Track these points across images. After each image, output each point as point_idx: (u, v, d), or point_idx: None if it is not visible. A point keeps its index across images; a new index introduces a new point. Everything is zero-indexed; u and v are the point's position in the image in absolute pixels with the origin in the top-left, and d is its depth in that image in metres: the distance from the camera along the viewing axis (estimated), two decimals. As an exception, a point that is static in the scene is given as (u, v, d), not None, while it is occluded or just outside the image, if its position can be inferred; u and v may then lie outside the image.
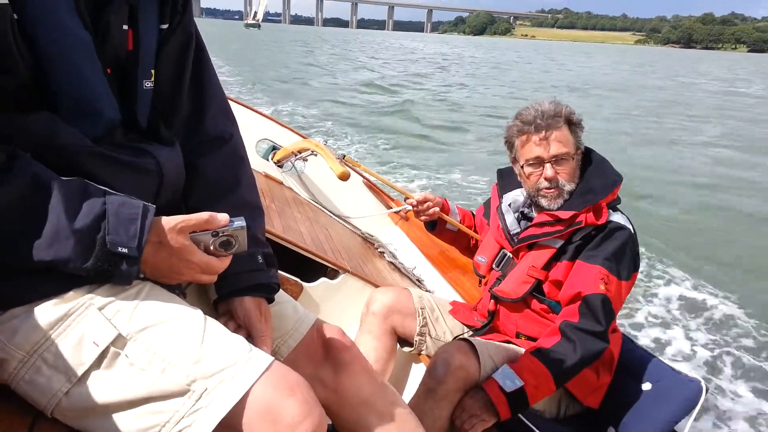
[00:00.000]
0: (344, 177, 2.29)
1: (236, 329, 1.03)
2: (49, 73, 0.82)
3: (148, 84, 0.99)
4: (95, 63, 0.87)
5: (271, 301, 1.11)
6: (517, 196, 1.83)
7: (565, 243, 1.62)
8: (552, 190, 1.65)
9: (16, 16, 0.77)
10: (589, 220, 1.59)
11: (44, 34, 0.80)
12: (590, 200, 1.61)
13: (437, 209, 1.99)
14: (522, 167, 1.70)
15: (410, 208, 2.05)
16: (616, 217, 1.63)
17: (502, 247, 1.78)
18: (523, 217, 1.79)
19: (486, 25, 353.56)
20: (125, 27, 0.93)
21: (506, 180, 1.88)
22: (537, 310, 1.66)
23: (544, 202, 1.67)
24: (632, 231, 1.62)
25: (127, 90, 0.95)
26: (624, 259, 1.58)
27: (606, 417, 1.62)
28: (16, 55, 0.78)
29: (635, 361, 1.67)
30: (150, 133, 1.01)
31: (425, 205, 1.99)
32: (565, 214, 1.61)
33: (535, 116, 1.64)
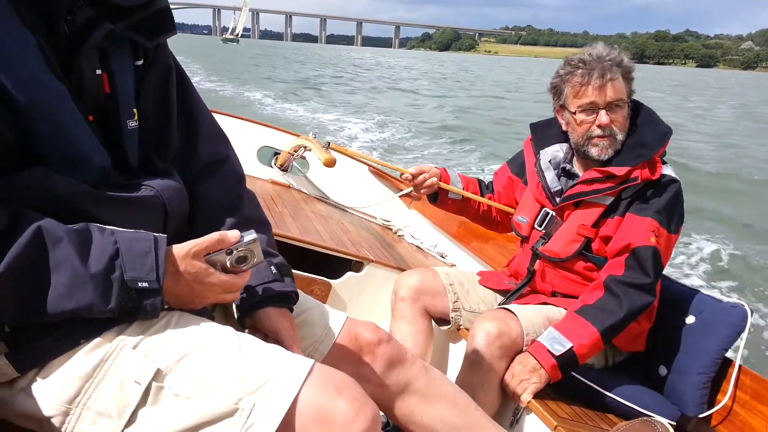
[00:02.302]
0: (329, 163, 2.30)
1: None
2: (31, 129, 0.82)
3: (133, 124, 0.98)
4: (75, 113, 0.86)
5: (291, 310, 1.10)
6: (555, 151, 1.76)
7: (615, 199, 1.58)
8: (605, 138, 1.59)
9: None
10: (644, 175, 1.55)
11: (19, 92, 0.79)
12: (644, 155, 1.56)
13: (435, 179, 1.91)
14: (574, 114, 1.62)
15: (409, 182, 1.97)
16: (667, 170, 1.59)
17: (542, 206, 1.73)
18: (563, 173, 1.73)
19: (451, 41, 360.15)
20: (98, 71, 0.92)
21: (541, 135, 1.81)
22: (580, 270, 1.64)
23: (594, 151, 1.61)
24: (681, 183, 1.58)
25: (112, 133, 0.94)
26: (675, 212, 1.55)
27: (655, 357, 1.62)
28: None
29: (675, 297, 1.65)
30: (143, 169, 1.00)
31: (421, 177, 1.91)
32: (619, 170, 1.56)
33: (590, 60, 1.58)
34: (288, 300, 1.08)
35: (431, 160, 9.48)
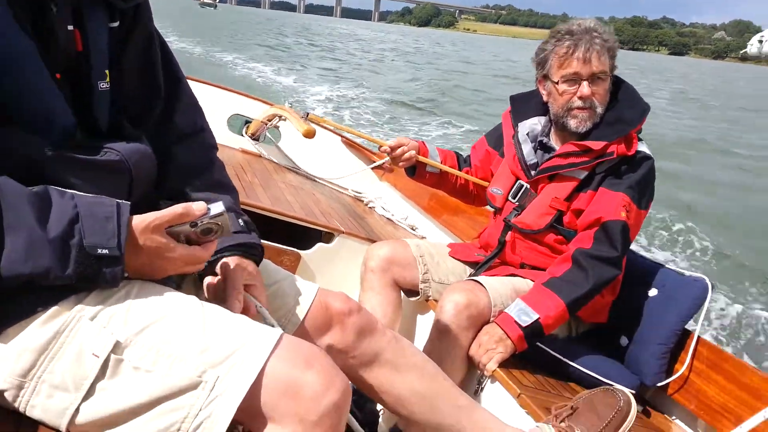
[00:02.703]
0: (309, 134, 2.27)
1: (222, 291, 1.01)
2: None
3: (104, 85, 0.94)
4: (42, 71, 0.83)
5: (258, 263, 1.09)
6: (534, 124, 1.76)
7: (589, 173, 1.59)
8: (584, 110, 1.59)
9: None
10: (620, 150, 1.56)
11: None
12: (621, 130, 1.57)
13: (413, 152, 1.89)
14: (556, 84, 1.63)
15: (387, 155, 1.95)
16: (643, 147, 1.61)
17: (517, 178, 1.74)
18: (540, 146, 1.73)
19: (431, 17, 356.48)
20: (70, 27, 0.88)
21: (520, 108, 1.81)
22: (550, 242, 1.65)
23: (572, 123, 1.61)
24: (654, 160, 1.60)
25: (81, 93, 0.91)
26: (646, 188, 1.58)
27: (617, 328, 1.66)
28: None
29: (639, 270, 1.68)
30: (112, 134, 0.96)
31: (400, 149, 1.89)
32: (596, 145, 1.56)
33: (578, 31, 1.58)
34: (252, 250, 1.07)
35: (387, 124, 10.44)
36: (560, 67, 1.61)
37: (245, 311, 1.00)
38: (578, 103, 1.60)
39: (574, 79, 1.60)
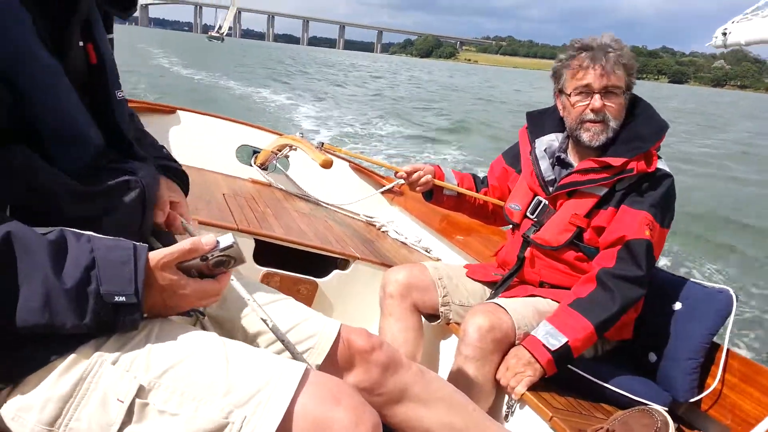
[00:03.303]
0: (327, 165, 2.28)
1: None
2: (28, 107, 0.79)
3: (120, 94, 0.96)
4: (70, 89, 0.84)
5: (181, 187, 1.12)
6: (551, 140, 1.76)
7: (609, 190, 1.58)
8: (597, 123, 1.59)
9: None
10: (640, 167, 1.55)
11: (18, 69, 0.77)
12: (640, 147, 1.56)
13: (429, 177, 1.90)
14: (569, 96, 1.63)
15: (402, 182, 1.96)
16: (662, 164, 1.60)
17: (535, 194, 1.73)
18: (558, 162, 1.73)
19: (432, 48, 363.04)
20: (81, 43, 0.91)
21: (537, 124, 1.81)
22: (570, 260, 1.64)
23: (585, 136, 1.61)
24: (673, 178, 1.60)
25: (100, 106, 0.92)
26: (668, 206, 1.57)
27: (644, 344, 1.63)
28: None
29: (662, 285, 1.66)
30: (130, 148, 0.98)
31: (416, 175, 1.90)
32: (615, 161, 1.56)
33: (592, 44, 1.59)
34: (177, 174, 1.12)
35: (377, 140, 12.00)
36: (573, 79, 1.62)
37: (170, 224, 1.02)
38: (590, 115, 1.60)
39: (587, 91, 1.60)
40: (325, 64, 55.51)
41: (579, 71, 1.60)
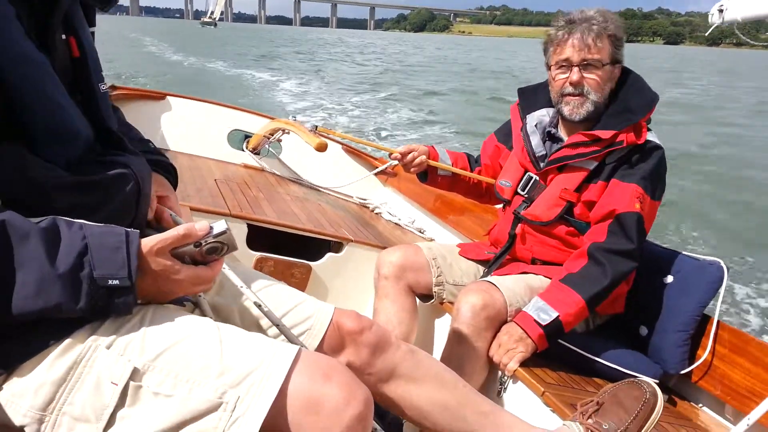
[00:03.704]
0: (321, 148, 2.26)
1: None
2: (18, 102, 0.79)
3: (104, 87, 0.96)
4: (57, 83, 0.84)
5: (170, 181, 1.12)
6: (542, 116, 1.76)
7: (599, 164, 1.58)
8: (576, 97, 1.59)
9: None
10: (629, 139, 1.54)
11: (6, 64, 0.77)
12: (629, 119, 1.56)
13: (424, 158, 1.89)
14: (550, 69, 1.64)
15: (396, 163, 1.96)
16: (652, 136, 1.59)
17: (526, 170, 1.73)
18: (549, 137, 1.72)
19: (426, 21, 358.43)
20: (63, 36, 0.90)
21: (528, 100, 1.80)
22: (561, 234, 1.64)
23: (566, 109, 1.61)
24: (664, 150, 1.59)
25: (84, 99, 0.92)
26: (658, 178, 1.56)
27: (636, 318, 1.64)
28: None
29: (653, 258, 1.67)
30: (119, 140, 0.98)
31: (410, 156, 1.89)
32: (605, 134, 1.55)
33: (574, 18, 1.59)
34: (165, 167, 1.12)
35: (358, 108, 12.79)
36: (555, 53, 1.63)
37: (159, 218, 1.03)
38: (569, 89, 1.60)
39: (566, 65, 1.60)
40: (318, 43, 56.31)
41: (559, 44, 1.60)
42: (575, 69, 1.58)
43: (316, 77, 19.76)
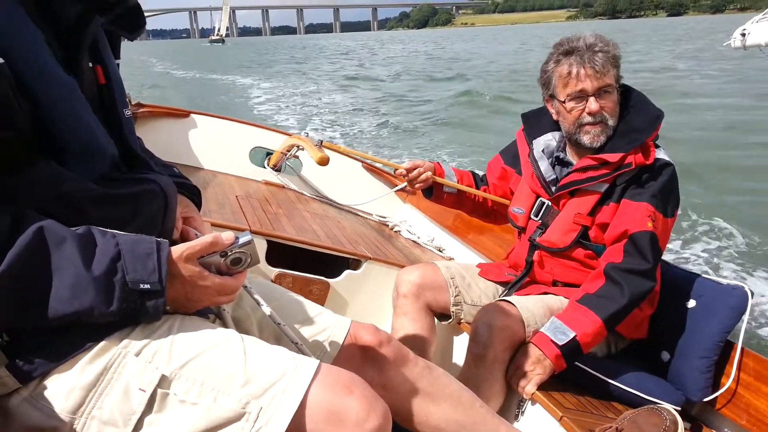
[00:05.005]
0: (323, 162, 2.29)
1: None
2: (49, 122, 0.82)
3: (128, 113, 1.00)
4: (85, 104, 0.88)
5: (194, 202, 1.14)
6: (548, 140, 1.75)
7: (610, 186, 1.57)
8: (596, 125, 1.58)
9: (10, 72, 0.77)
10: (638, 160, 1.54)
11: (36, 84, 0.80)
12: (636, 139, 1.55)
13: (429, 173, 1.90)
14: (563, 103, 1.62)
15: (404, 178, 1.96)
16: (661, 154, 1.58)
17: (538, 196, 1.72)
18: (557, 162, 1.72)
19: (428, 17, 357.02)
20: (90, 64, 0.94)
21: (533, 125, 1.80)
22: (579, 258, 1.63)
23: (586, 139, 1.60)
24: (675, 167, 1.58)
25: (111, 123, 0.95)
26: (670, 195, 1.55)
27: (657, 343, 1.62)
28: (16, 109, 0.78)
29: (675, 282, 1.64)
30: (144, 161, 1.02)
31: (415, 171, 1.90)
32: (612, 157, 1.55)
33: (578, 47, 1.57)
34: (190, 189, 1.14)
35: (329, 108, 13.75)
36: (565, 87, 1.61)
37: (184, 238, 1.04)
38: (588, 119, 1.59)
39: (581, 96, 1.59)
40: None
41: (570, 78, 1.59)
42: (591, 99, 1.57)
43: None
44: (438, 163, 1.98)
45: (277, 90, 18.07)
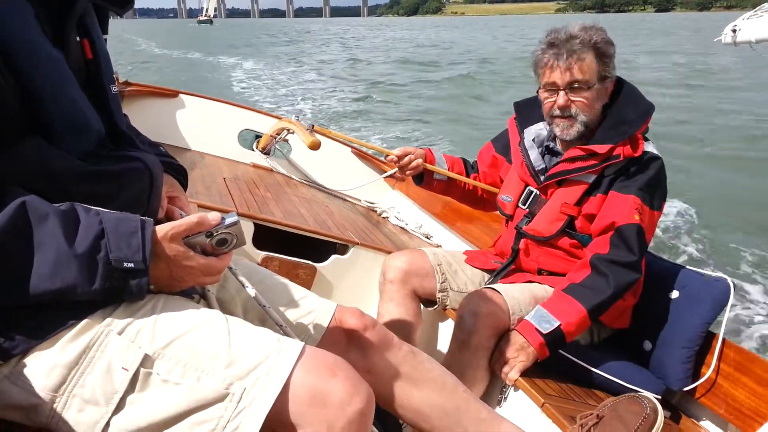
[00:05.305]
0: (314, 146, 2.28)
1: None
2: (37, 96, 0.81)
3: (114, 89, 0.99)
4: (72, 79, 0.87)
5: (180, 182, 1.14)
6: (539, 130, 1.76)
7: (597, 177, 1.58)
8: (564, 119, 1.59)
9: None
10: (626, 152, 1.54)
11: (24, 58, 0.79)
12: (626, 132, 1.56)
13: (420, 161, 1.90)
14: (538, 92, 1.65)
15: (395, 164, 1.96)
16: (649, 147, 1.59)
17: (526, 185, 1.73)
18: (547, 151, 1.73)
19: (419, 5, 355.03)
20: (77, 38, 0.93)
21: (525, 113, 1.80)
22: (565, 247, 1.64)
23: (557, 131, 1.63)
24: (663, 160, 1.58)
25: (97, 98, 0.94)
26: (657, 189, 1.56)
27: (640, 333, 1.63)
28: (5, 85, 0.77)
29: (659, 273, 1.66)
30: (130, 139, 1.01)
31: (406, 158, 1.91)
32: (601, 148, 1.55)
33: (557, 39, 1.58)
34: (176, 168, 1.14)
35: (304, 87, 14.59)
36: (542, 77, 1.62)
37: (169, 218, 1.04)
38: (557, 112, 1.61)
39: (553, 88, 1.60)
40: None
41: (545, 69, 1.60)
42: (561, 93, 1.58)
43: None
44: (429, 149, 1.98)
45: (259, 71, 18.93)
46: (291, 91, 14.19)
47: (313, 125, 2.45)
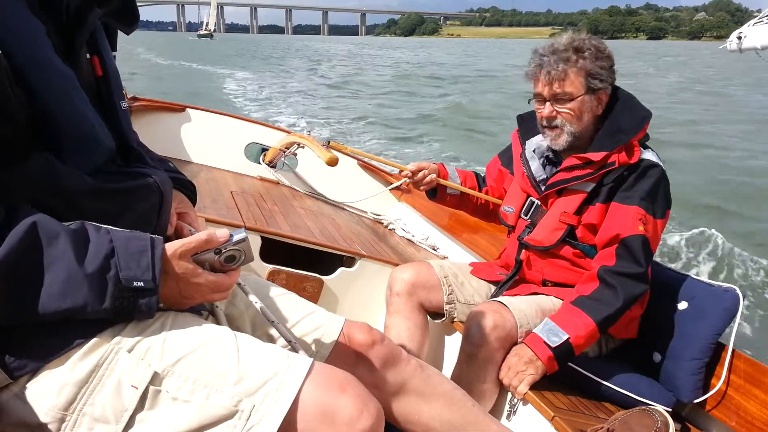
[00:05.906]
0: (332, 162, 2.28)
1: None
2: (48, 113, 0.82)
3: (124, 105, 1.00)
4: (83, 95, 0.87)
5: (189, 198, 1.14)
6: (540, 141, 1.77)
7: (596, 186, 1.58)
8: (551, 129, 1.63)
9: (7, 63, 0.77)
10: (621, 160, 1.55)
11: (35, 75, 0.80)
12: (621, 139, 1.56)
13: (434, 176, 1.93)
14: (530, 102, 1.69)
15: (408, 180, 1.98)
16: (648, 155, 1.59)
17: (528, 195, 1.74)
18: (548, 162, 1.74)
19: (416, 25, 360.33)
20: (88, 55, 0.94)
21: (527, 125, 1.82)
22: (568, 256, 1.64)
23: (547, 140, 1.66)
24: (663, 168, 1.59)
25: (108, 115, 0.95)
26: (658, 197, 1.55)
27: (648, 343, 1.62)
28: (12, 99, 0.77)
29: (667, 283, 1.65)
30: (140, 155, 1.02)
31: (420, 174, 1.93)
32: (596, 156, 1.56)
33: (545, 50, 1.60)
34: (185, 185, 1.15)
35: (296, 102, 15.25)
36: (533, 88, 1.66)
37: (178, 234, 1.04)
38: (544, 122, 1.64)
39: (540, 99, 1.63)
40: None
41: (534, 80, 1.64)
42: (547, 104, 1.62)
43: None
44: (442, 164, 2.00)
45: (266, 86, 19.46)
46: (299, 110, 14.15)
47: (329, 141, 2.45)
